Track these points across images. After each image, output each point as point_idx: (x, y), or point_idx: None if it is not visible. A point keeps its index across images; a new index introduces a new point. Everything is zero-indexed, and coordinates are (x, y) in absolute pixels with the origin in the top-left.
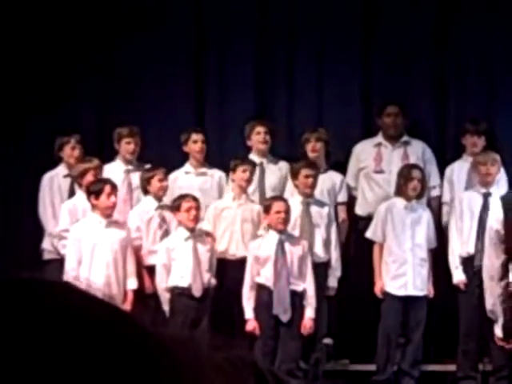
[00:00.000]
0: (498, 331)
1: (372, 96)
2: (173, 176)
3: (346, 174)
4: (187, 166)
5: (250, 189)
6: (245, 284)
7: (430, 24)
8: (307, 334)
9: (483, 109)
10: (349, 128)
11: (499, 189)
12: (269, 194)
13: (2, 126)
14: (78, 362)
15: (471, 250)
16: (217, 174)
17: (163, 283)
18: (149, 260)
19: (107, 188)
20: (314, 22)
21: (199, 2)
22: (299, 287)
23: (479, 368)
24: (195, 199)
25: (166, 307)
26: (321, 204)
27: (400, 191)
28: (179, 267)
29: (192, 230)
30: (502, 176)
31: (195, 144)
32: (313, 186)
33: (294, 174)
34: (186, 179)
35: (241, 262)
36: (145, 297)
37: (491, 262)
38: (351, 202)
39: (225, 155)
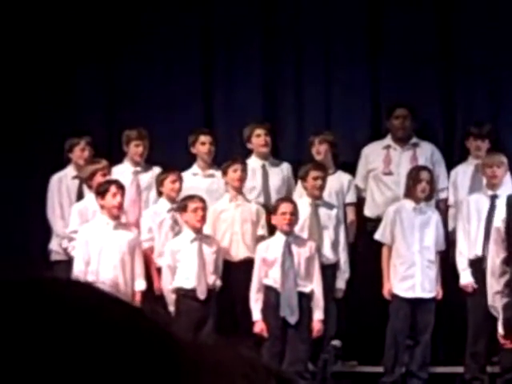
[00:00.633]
0: (500, 329)
1: (380, 98)
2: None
3: (355, 176)
4: (195, 168)
5: (255, 192)
6: (252, 286)
7: (437, 27)
8: (316, 336)
9: (490, 111)
10: (358, 130)
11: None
12: (273, 195)
13: (11, 127)
14: (100, 362)
15: (479, 252)
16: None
17: (169, 284)
18: (160, 261)
19: (113, 188)
20: (321, 25)
21: (207, 5)
22: (307, 289)
23: (487, 370)
24: (202, 200)
25: (171, 308)
26: (329, 206)
27: (409, 193)
28: (184, 269)
29: (198, 231)
30: (507, 178)
31: (203, 146)
32: (321, 188)
33: (303, 176)
34: (193, 181)
35: (242, 264)
36: (155, 298)
37: (493, 259)
38: (360, 203)
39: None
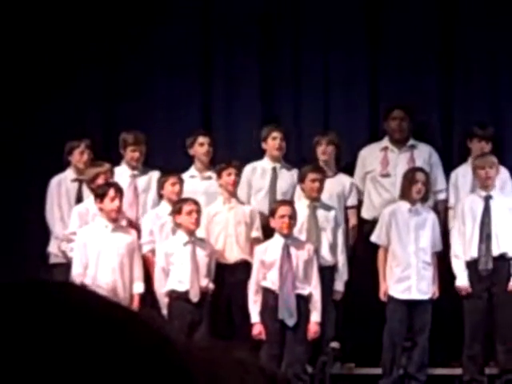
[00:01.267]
0: None
1: (379, 100)
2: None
3: (353, 178)
4: (192, 170)
5: (261, 193)
6: (250, 288)
7: (437, 27)
8: (313, 338)
9: (489, 112)
10: (355, 132)
11: (505, 193)
12: (279, 198)
13: (10, 129)
14: (94, 366)
15: (474, 253)
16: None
17: (162, 287)
18: None
19: (111, 191)
20: (320, 26)
21: (205, 6)
22: (305, 291)
23: (485, 371)
24: (196, 203)
25: (164, 311)
26: (327, 208)
27: (404, 194)
28: (177, 272)
29: (192, 234)
30: (507, 180)
31: (201, 147)
32: (319, 190)
33: (301, 178)
34: (191, 183)
35: (237, 266)
36: (154, 301)
37: None
38: (358, 205)
39: (231, 159)
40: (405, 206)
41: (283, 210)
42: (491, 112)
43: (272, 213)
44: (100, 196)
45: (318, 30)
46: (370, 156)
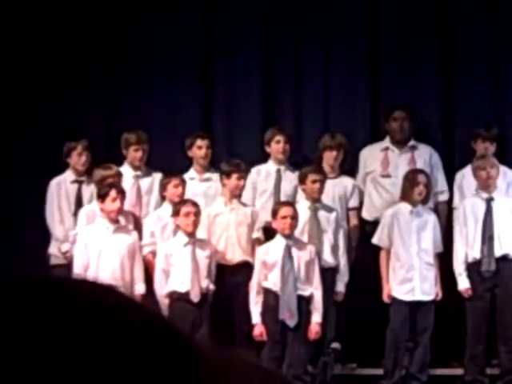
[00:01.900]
0: None
1: (379, 100)
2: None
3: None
4: (191, 172)
5: (265, 195)
6: (252, 288)
7: (437, 28)
8: (314, 338)
9: (490, 113)
10: (356, 133)
11: (507, 194)
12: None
13: (10, 131)
14: (116, 366)
15: (477, 255)
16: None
17: (162, 289)
18: None
19: (112, 192)
20: (320, 28)
21: (207, 8)
22: (306, 292)
23: (487, 372)
24: (195, 204)
25: (165, 312)
26: (328, 209)
27: (405, 196)
28: (178, 273)
29: (191, 235)
30: (510, 180)
31: (200, 150)
32: (320, 191)
33: (302, 179)
34: (190, 185)
35: (238, 267)
36: (155, 302)
37: None
38: (360, 207)
39: (239, 162)
40: (406, 207)
41: (285, 211)
42: (493, 113)
43: (273, 214)
44: (101, 196)
45: (319, 31)
46: (371, 156)
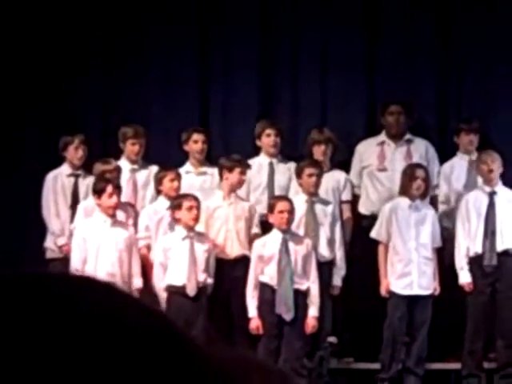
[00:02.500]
0: None
1: (376, 95)
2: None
3: (350, 173)
4: (187, 166)
5: (260, 188)
6: (249, 282)
7: (434, 24)
8: (310, 332)
9: (485, 108)
10: (352, 127)
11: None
12: (277, 193)
13: (6, 125)
14: (115, 367)
15: (479, 249)
16: (217, 173)
17: (160, 282)
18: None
19: (109, 188)
20: (317, 22)
21: (203, 4)
22: (303, 286)
23: (484, 366)
24: (196, 198)
25: (163, 306)
26: (325, 203)
27: (404, 190)
28: (175, 266)
29: (190, 229)
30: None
31: (196, 144)
32: (317, 185)
33: (298, 173)
34: (186, 179)
35: (237, 261)
36: (150, 296)
37: None
38: (355, 200)
39: (228, 154)
40: (405, 202)
41: (282, 206)
42: (487, 107)
43: (270, 208)
44: (98, 192)
45: (316, 26)
46: (367, 151)
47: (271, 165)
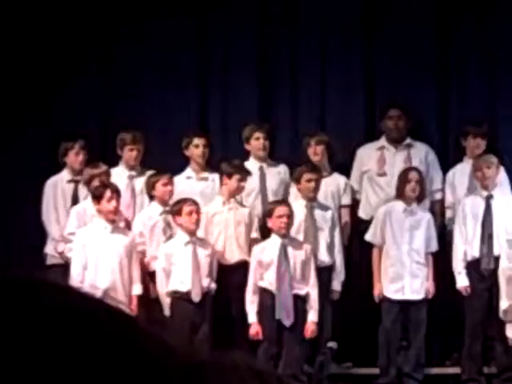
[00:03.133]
0: (509, 333)
1: (375, 99)
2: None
3: (350, 177)
4: (188, 171)
5: (253, 194)
6: (248, 288)
7: (433, 26)
8: (310, 337)
9: (486, 111)
10: (352, 131)
11: (504, 193)
12: (270, 197)
13: (6, 131)
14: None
15: (476, 253)
16: (218, 178)
17: (163, 288)
18: (153, 265)
19: (107, 193)
20: (316, 24)
21: (202, 3)
22: (302, 291)
23: (484, 371)
24: (196, 203)
25: (166, 312)
26: (324, 208)
27: (399, 194)
28: (179, 272)
29: (192, 234)
30: (504, 178)
31: (197, 148)
32: (316, 190)
33: (297, 179)
34: (187, 184)
35: (237, 266)
36: (149, 302)
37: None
38: (354, 205)
39: (227, 159)
40: (400, 205)
41: (281, 211)
42: (487, 110)
43: (269, 213)
44: (97, 197)
45: (315, 30)
46: (367, 155)
47: (261, 169)
